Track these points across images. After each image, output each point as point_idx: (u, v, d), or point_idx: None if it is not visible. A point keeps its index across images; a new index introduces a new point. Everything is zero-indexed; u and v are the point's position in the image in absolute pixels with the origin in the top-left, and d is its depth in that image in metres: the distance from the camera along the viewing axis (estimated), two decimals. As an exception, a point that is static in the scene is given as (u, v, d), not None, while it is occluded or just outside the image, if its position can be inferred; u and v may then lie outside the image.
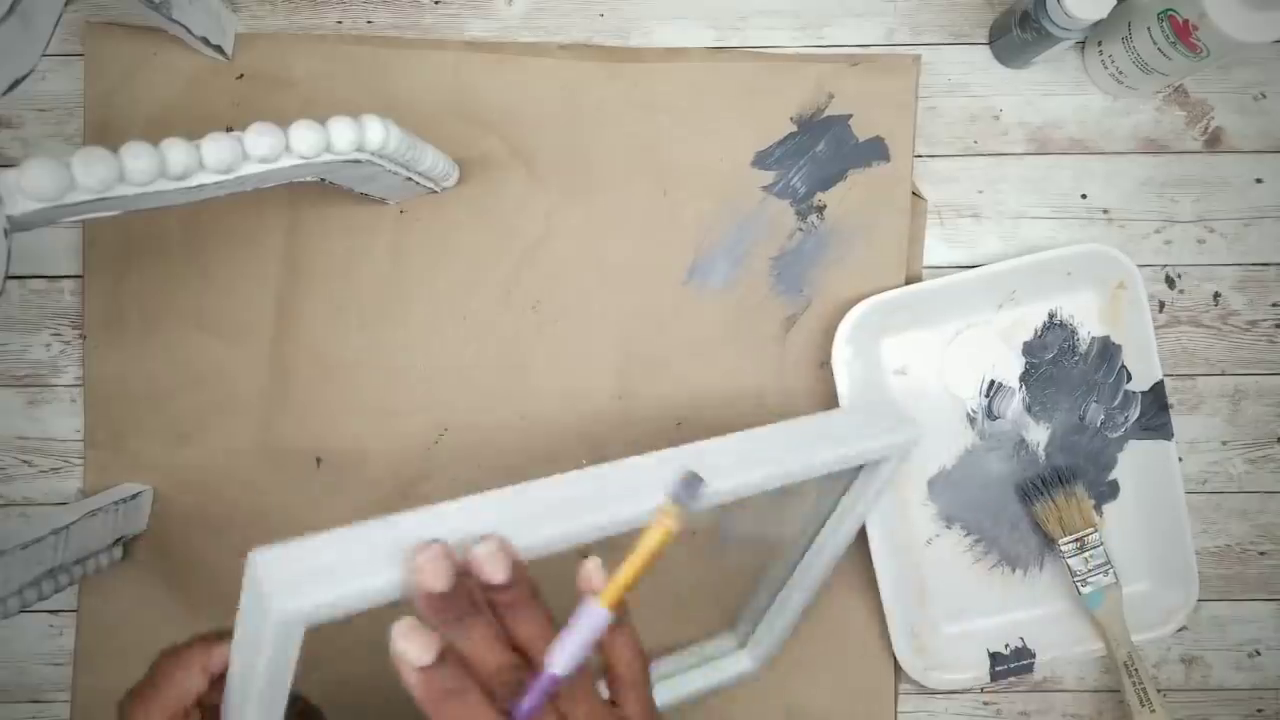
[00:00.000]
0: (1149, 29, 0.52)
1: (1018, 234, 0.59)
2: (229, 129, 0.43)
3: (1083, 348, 0.58)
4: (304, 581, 0.30)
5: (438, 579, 0.30)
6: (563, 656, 0.32)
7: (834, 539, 0.50)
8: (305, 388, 0.58)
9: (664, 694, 0.54)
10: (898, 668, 0.58)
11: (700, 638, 0.58)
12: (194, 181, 0.40)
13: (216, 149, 0.40)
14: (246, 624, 0.32)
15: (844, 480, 0.49)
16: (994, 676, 0.58)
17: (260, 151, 0.41)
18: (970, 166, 0.59)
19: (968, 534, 0.59)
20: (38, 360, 0.59)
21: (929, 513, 0.59)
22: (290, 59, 0.58)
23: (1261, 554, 0.61)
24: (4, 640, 0.59)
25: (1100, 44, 0.56)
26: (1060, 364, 0.58)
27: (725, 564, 0.58)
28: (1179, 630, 0.59)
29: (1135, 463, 0.58)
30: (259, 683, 0.31)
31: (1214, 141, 0.59)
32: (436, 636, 0.30)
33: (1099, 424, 0.58)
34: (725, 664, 0.57)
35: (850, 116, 0.57)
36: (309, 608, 0.29)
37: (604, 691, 0.35)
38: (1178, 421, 0.59)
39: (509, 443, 0.58)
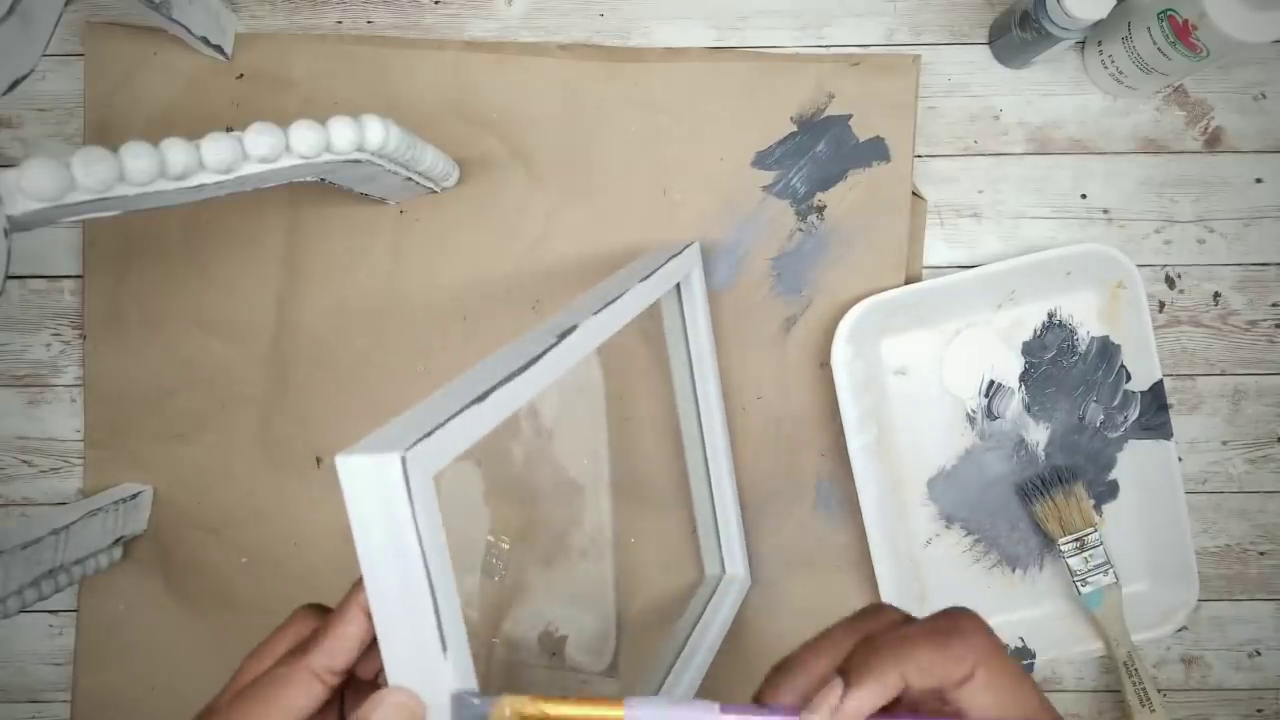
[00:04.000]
0: (1149, 29, 0.52)
1: (1018, 234, 0.59)
2: (229, 129, 0.43)
3: (1082, 347, 0.58)
4: (406, 440, 0.26)
5: None
6: None
7: (707, 402, 0.56)
8: (305, 388, 0.58)
9: (699, 655, 0.53)
10: (898, 668, 0.58)
11: (684, 589, 0.58)
12: (194, 181, 0.40)
13: (216, 149, 0.40)
14: (372, 531, 0.26)
15: (675, 345, 0.55)
16: (994, 676, 0.58)
17: (260, 151, 0.41)
18: (970, 166, 0.59)
19: (967, 534, 0.59)
20: (38, 360, 0.59)
21: (929, 513, 0.59)
22: (290, 59, 0.58)
23: (1261, 554, 0.61)
24: (4, 640, 0.59)
25: (1100, 44, 0.56)
26: (1059, 364, 0.58)
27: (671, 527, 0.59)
28: (1179, 630, 0.59)
29: (1135, 462, 0.58)
30: (422, 583, 0.26)
31: (1214, 141, 0.59)
32: None
33: (1098, 424, 0.58)
34: (725, 594, 0.57)
35: (850, 116, 0.57)
36: (429, 452, 0.27)
37: None
38: (1178, 421, 0.59)
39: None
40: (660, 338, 0.56)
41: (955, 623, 0.30)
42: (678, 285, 0.54)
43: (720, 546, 0.57)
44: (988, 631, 0.29)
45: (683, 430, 0.57)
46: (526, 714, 0.27)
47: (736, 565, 0.57)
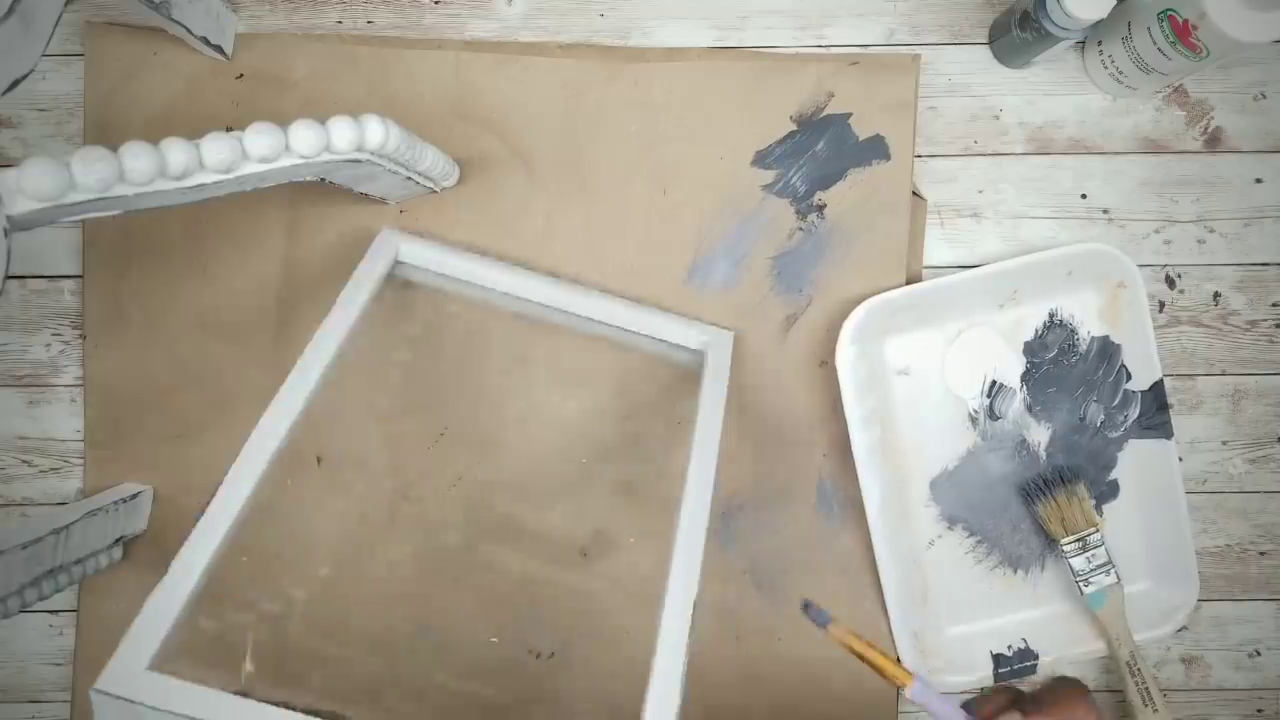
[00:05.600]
0: (1149, 29, 0.52)
1: (1018, 234, 0.59)
2: (229, 129, 0.43)
3: (1083, 347, 0.58)
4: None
5: None
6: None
7: None
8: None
9: (709, 426, 0.51)
10: (898, 668, 0.58)
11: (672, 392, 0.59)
12: (194, 181, 0.40)
13: (216, 149, 0.40)
14: None
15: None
16: (997, 678, 0.58)
17: (260, 151, 0.41)
18: (970, 166, 0.59)
19: (970, 535, 0.59)
20: (38, 360, 0.59)
21: (931, 514, 0.59)
22: (290, 59, 0.58)
23: (1261, 554, 0.61)
24: (4, 640, 0.59)
25: (1100, 44, 0.56)
26: (1061, 363, 0.58)
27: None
28: (1179, 630, 0.59)
29: (1135, 462, 0.58)
30: None
31: (1214, 141, 0.59)
32: None
33: (1099, 423, 0.58)
34: (707, 359, 0.55)
35: (850, 115, 0.57)
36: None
37: None
38: (1178, 421, 0.59)
39: (509, 442, 0.58)
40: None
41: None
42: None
43: (669, 338, 0.57)
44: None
45: None
46: (841, 636, 0.53)
47: (692, 335, 0.56)
